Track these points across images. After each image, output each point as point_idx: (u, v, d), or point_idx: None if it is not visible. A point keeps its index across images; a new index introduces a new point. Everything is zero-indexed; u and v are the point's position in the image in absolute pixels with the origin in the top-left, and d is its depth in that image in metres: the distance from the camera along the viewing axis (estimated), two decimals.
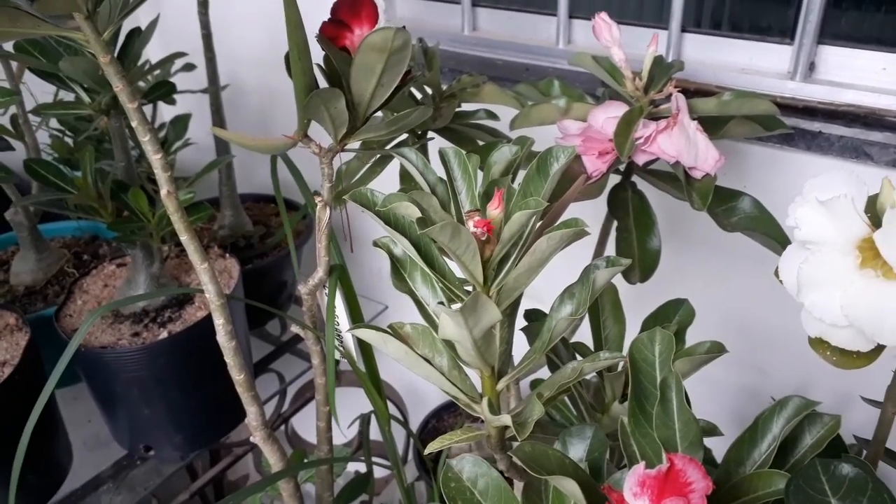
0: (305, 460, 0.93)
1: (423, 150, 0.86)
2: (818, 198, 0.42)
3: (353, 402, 1.17)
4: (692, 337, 0.68)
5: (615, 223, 0.81)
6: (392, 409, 1.33)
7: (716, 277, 1.04)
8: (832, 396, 0.95)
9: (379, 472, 1.42)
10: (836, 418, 0.43)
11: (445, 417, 1.33)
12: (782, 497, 0.36)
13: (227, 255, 1.00)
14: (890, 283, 0.40)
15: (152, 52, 1.00)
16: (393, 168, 0.84)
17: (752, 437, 0.43)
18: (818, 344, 0.44)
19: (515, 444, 0.47)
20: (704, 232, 0.90)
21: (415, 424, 1.35)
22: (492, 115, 0.86)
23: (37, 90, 0.96)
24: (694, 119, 0.73)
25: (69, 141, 1.05)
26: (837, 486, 0.35)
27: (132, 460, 0.97)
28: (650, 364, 0.45)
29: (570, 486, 0.38)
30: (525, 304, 0.74)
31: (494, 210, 0.50)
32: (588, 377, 0.72)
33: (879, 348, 0.42)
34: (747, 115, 0.75)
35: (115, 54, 0.77)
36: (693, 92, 0.98)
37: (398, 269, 0.56)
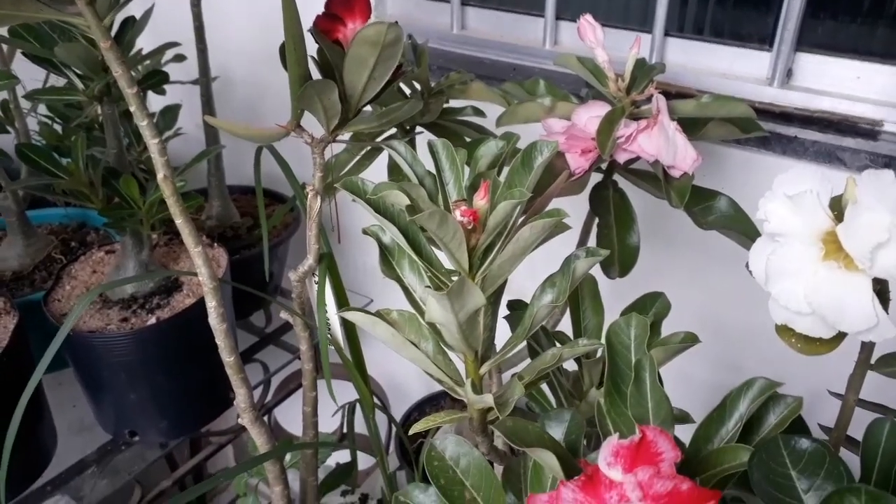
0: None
1: (412, 145, 0.88)
2: (786, 193, 0.44)
3: (337, 394, 1.19)
4: (670, 333, 0.70)
5: (597, 220, 0.84)
6: (375, 402, 1.35)
7: (694, 276, 1.07)
8: (806, 392, 0.97)
9: (360, 465, 1.44)
10: (799, 399, 0.46)
11: (428, 410, 1.34)
12: (746, 469, 0.39)
13: (215, 244, 1.01)
14: (850, 274, 0.43)
15: (143, 44, 1.01)
16: (381, 162, 0.86)
17: (720, 416, 0.45)
18: (784, 331, 0.47)
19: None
20: (683, 231, 0.93)
21: (397, 418, 1.37)
22: (479, 112, 0.88)
23: (24, 76, 0.97)
24: (673, 120, 0.75)
25: (58, 129, 1.06)
26: (797, 459, 0.38)
27: (116, 445, 0.98)
28: (626, 347, 0.47)
29: (547, 458, 0.40)
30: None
31: (480, 200, 0.52)
32: (568, 369, 0.74)
33: (841, 335, 0.45)
34: (725, 117, 0.78)
35: None
36: (674, 95, 1.01)
37: (387, 256, 0.58)
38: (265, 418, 1.40)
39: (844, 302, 0.43)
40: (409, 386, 1.48)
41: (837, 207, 0.48)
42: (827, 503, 0.33)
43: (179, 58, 1.13)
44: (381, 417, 1.16)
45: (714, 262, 1.03)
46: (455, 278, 0.54)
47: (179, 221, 0.55)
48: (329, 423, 1.19)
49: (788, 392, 0.50)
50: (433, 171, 0.56)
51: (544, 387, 0.74)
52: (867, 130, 0.93)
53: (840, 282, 0.43)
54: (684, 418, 0.62)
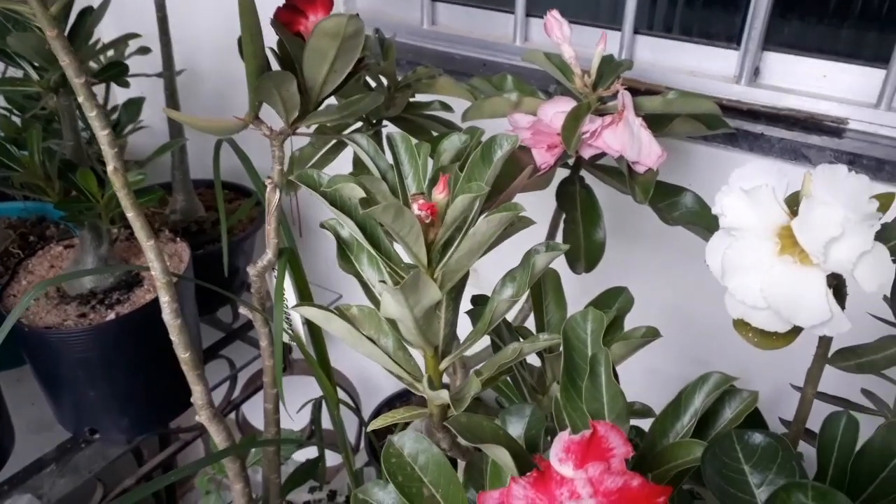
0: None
1: (377, 139, 0.87)
2: (742, 187, 0.44)
3: (306, 391, 1.17)
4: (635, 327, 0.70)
5: (563, 215, 0.84)
6: (345, 398, 1.34)
7: (660, 271, 1.07)
8: (772, 386, 0.99)
9: (330, 462, 1.43)
10: (754, 394, 0.46)
11: (398, 406, 1.33)
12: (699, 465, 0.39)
13: (178, 239, 0.99)
14: (805, 269, 0.43)
15: (107, 35, 1.00)
16: (346, 156, 0.85)
17: (675, 411, 0.45)
18: (741, 325, 0.46)
19: None
20: (651, 226, 0.94)
21: (367, 413, 1.36)
22: (446, 107, 0.87)
23: None
24: (640, 116, 0.75)
25: (16, 121, 1.03)
26: (750, 453, 0.38)
27: (76, 443, 0.96)
28: (582, 342, 0.47)
29: (500, 454, 0.40)
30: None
31: (439, 194, 0.51)
32: (534, 364, 0.74)
33: (796, 329, 0.45)
34: (691, 113, 0.78)
35: (67, 31, 0.77)
36: (643, 91, 1.01)
37: (345, 251, 0.57)
38: (232, 414, 1.39)
39: (799, 296, 0.43)
40: (380, 381, 1.47)
41: (795, 202, 0.48)
42: (774, 499, 0.33)
43: (144, 50, 1.11)
44: (352, 413, 1.15)
45: (682, 256, 1.04)
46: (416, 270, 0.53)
47: (131, 215, 0.54)
48: (300, 418, 1.18)
49: (755, 385, 0.50)
50: (392, 163, 0.55)
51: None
52: (832, 128, 0.94)
53: (795, 276, 0.43)
54: (647, 412, 0.62)
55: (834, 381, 0.63)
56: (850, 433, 0.44)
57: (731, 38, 1.01)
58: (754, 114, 0.98)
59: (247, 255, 1.20)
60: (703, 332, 1.07)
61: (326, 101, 0.65)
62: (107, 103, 1.17)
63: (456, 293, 0.56)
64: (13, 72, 0.88)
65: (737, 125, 0.95)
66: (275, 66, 0.62)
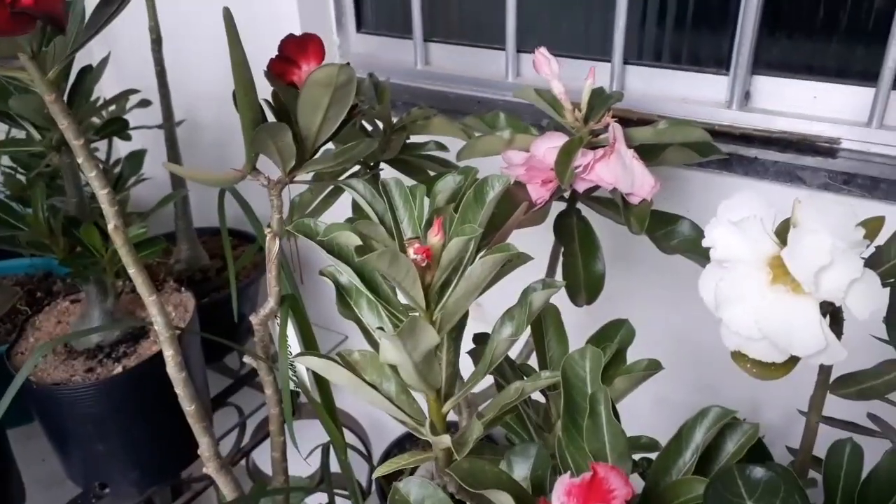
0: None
1: (375, 181, 0.88)
2: (730, 219, 0.45)
3: (314, 435, 1.17)
4: (642, 357, 0.70)
5: (562, 248, 0.84)
6: (354, 441, 1.33)
7: (664, 298, 1.07)
8: (781, 412, 0.98)
9: None
10: (755, 426, 0.46)
11: (408, 447, 1.33)
12: (702, 502, 0.38)
13: (183, 289, 1.00)
14: (798, 298, 0.43)
15: (109, 89, 1.02)
16: (346, 198, 0.86)
17: (676, 447, 0.45)
18: (738, 357, 0.47)
19: None
20: (653, 253, 0.94)
21: (377, 455, 1.35)
22: (441, 147, 0.89)
23: None
24: (632, 147, 0.76)
25: (22, 178, 1.05)
26: (753, 488, 0.37)
27: (87, 498, 0.95)
28: (581, 380, 0.47)
29: (503, 499, 0.40)
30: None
31: (434, 237, 0.52)
32: (540, 400, 0.74)
33: (794, 359, 0.45)
34: (682, 142, 0.79)
35: (68, 91, 0.79)
36: (635, 121, 1.02)
37: (344, 297, 0.57)
38: (243, 462, 1.38)
39: (793, 326, 0.43)
40: (390, 421, 1.46)
41: (786, 230, 0.48)
42: None
43: (144, 103, 1.13)
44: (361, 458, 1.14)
45: (685, 282, 1.02)
46: (413, 315, 0.54)
47: (132, 271, 0.55)
48: (312, 462, 1.18)
49: (765, 412, 0.49)
50: (388, 207, 0.56)
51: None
52: (826, 149, 0.95)
53: (788, 306, 0.43)
54: (653, 446, 0.62)
55: (841, 404, 0.63)
56: (855, 461, 0.44)
57: (720, 63, 1.02)
58: (747, 138, 0.98)
59: (251, 301, 1.21)
60: (710, 358, 1.06)
61: (323, 148, 0.67)
62: (109, 157, 1.19)
63: (456, 333, 0.56)
64: (16, 132, 0.90)
65: (730, 150, 0.95)
66: (270, 116, 0.63)
